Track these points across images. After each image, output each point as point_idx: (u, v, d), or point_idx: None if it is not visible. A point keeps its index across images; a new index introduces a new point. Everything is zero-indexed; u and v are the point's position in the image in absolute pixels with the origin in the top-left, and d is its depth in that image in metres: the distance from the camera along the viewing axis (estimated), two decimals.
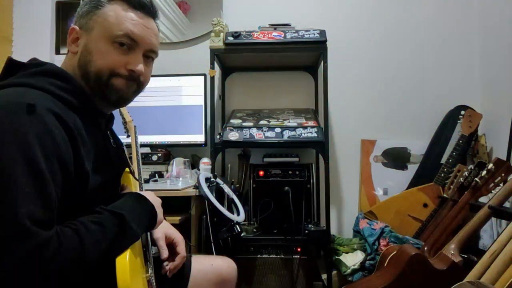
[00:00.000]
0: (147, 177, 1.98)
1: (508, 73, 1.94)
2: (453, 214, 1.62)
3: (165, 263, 1.01)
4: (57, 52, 2.40)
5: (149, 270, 0.90)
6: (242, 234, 1.73)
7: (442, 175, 1.98)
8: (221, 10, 2.31)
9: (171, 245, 1.04)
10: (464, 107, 2.11)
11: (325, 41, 1.89)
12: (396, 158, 2.22)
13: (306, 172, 1.97)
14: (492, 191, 1.56)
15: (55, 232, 0.67)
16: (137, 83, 0.90)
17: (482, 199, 1.59)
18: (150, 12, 0.92)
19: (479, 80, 2.19)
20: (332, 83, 1.98)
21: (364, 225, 1.95)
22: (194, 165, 2.11)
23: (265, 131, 1.89)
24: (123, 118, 1.14)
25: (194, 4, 2.34)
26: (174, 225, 1.67)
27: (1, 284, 0.62)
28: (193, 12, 2.35)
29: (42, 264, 0.63)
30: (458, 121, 2.10)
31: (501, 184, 1.53)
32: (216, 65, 2.02)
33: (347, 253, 1.91)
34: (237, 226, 1.67)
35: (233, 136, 1.87)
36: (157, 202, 0.93)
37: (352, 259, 1.86)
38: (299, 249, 1.77)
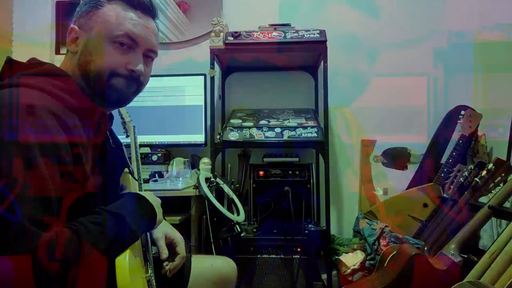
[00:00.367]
0: (147, 177, 1.98)
1: (508, 73, 1.94)
2: (453, 214, 1.62)
3: (164, 263, 1.01)
4: (57, 52, 2.40)
5: (149, 270, 0.90)
6: (242, 234, 1.73)
7: (442, 175, 1.97)
8: (221, 10, 2.31)
9: (171, 245, 1.04)
10: (464, 107, 2.10)
11: (325, 41, 1.89)
12: (396, 158, 2.22)
13: (306, 172, 1.97)
14: (492, 191, 1.56)
15: (55, 233, 0.67)
16: (137, 83, 0.90)
17: (482, 199, 1.59)
18: (150, 11, 0.91)
19: (479, 80, 2.19)
20: (332, 83, 1.98)
21: (364, 225, 1.95)
22: (194, 165, 2.10)
23: (265, 131, 1.89)
24: (122, 118, 1.14)
25: (194, 4, 2.34)
26: (174, 225, 1.67)
27: (1, 284, 0.62)
28: (193, 12, 2.35)
29: (42, 264, 0.63)
30: (458, 121, 2.10)
31: (501, 184, 1.53)
32: (216, 65, 2.02)
33: (347, 253, 1.90)
34: (237, 226, 1.67)
35: (233, 136, 1.87)
36: (156, 202, 0.93)
37: (352, 259, 1.86)
38: (299, 249, 1.77)
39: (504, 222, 1.73)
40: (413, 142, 2.21)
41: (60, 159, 0.72)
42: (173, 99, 2.13)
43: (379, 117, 2.26)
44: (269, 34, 1.92)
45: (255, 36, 1.91)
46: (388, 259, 1.60)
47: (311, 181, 1.95)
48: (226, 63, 2.22)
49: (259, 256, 1.80)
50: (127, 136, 1.14)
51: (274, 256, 1.80)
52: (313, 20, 2.19)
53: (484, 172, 1.56)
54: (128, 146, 1.07)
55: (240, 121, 2.00)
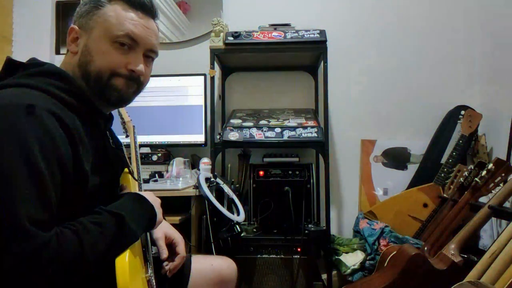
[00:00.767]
0: (147, 177, 1.98)
1: (508, 73, 1.94)
2: (453, 214, 1.62)
3: (164, 263, 1.01)
4: (57, 52, 2.40)
5: (149, 270, 0.90)
6: (242, 234, 1.73)
7: (442, 175, 1.98)
8: (221, 10, 2.31)
9: (171, 245, 1.04)
10: (464, 107, 2.10)
11: (325, 41, 1.89)
12: (396, 158, 2.22)
13: (306, 172, 1.97)
14: (492, 191, 1.56)
15: (55, 233, 0.67)
16: (137, 83, 0.90)
17: (482, 199, 1.59)
18: (150, 12, 0.92)
19: (479, 80, 2.19)
20: (332, 83, 1.98)
21: (364, 225, 1.95)
22: (194, 165, 2.11)
23: (265, 131, 1.89)
24: (122, 118, 1.13)
25: (194, 4, 2.34)
26: (174, 225, 1.67)
27: (1, 285, 0.62)
28: (193, 12, 2.35)
29: (41, 265, 0.63)
30: (458, 121, 2.10)
31: (501, 184, 1.53)
32: (216, 65, 2.02)
33: (347, 253, 1.90)
34: (237, 226, 1.67)
35: (233, 136, 1.87)
36: (156, 202, 0.93)
37: (352, 259, 1.86)
38: (299, 249, 1.77)
39: (504, 222, 1.73)
40: (413, 142, 2.21)
41: (60, 159, 0.71)
42: (173, 99, 2.13)
43: (379, 117, 2.26)
44: (269, 34, 1.92)
45: (255, 36, 1.91)
46: (388, 259, 1.60)
47: (311, 181, 1.95)
48: (226, 63, 2.23)
49: (259, 256, 1.80)
50: (127, 136, 1.14)
51: (274, 256, 1.80)
52: (313, 20, 2.19)
53: (484, 172, 1.56)
54: (128, 146, 1.07)
55: (240, 121, 2.00)
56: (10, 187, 0.64)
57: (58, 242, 0.66)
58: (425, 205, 1.98)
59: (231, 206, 1.77)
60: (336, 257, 1.90)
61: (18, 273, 0.62)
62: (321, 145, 1.86)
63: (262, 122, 1.98)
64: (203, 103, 2.11)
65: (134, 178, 0.99)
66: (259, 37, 1.91)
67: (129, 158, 1.03)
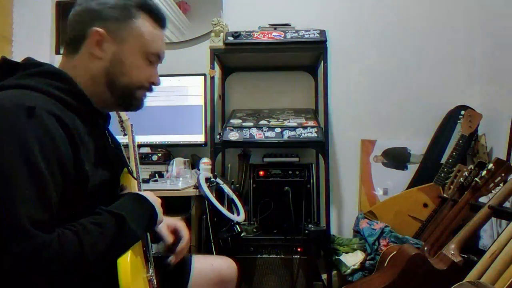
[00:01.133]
0: (147, 177, 1.98)
1: (508, 73, 1.94)
2: (453, 214, 1.62)
3: (170, 258, 1.01)
4: (57, 52, 2.40)
5: (150, 270, 0.90)
6: (242, 234, 1.73)
7: (442, 175, 1.98)
8: (221, 10, 2.31)
9: (174, 233, 1.05)
10: (464, 107, 2.11)
11: (325, 41, 1.89)
12: (396, 158, 2.22)
13: (306, 172, 1.97)
14: (492, 191, 1.56)
15: (56, 235, 0.67)
16: (150, 92, 0.97)
17: (482, 199, 1.59)
18: (165, 26, 0.97)
19: (479, 80, 2.19)
20: (332, 83, 1.98)
21: (364, 225, 1.95)
22: (194, 165, 2.11)
23: (265, 131, 1.89)
24: (120, 117, 1.13)
25: (194, 4, 2.34)
26: None
27: (1, 285, 0.62)
28: (193, 12, 2.35)
29: (41, 265, 0.63)
30: (458, 121, 2.10)
31: (501, 184, 1.53)
32: (216, 65, 2.02)
33: (347, 253, 1.91)
34: (237, 226, 1.67)
35: (233, 136, 1.87)
36: (157, 202, 0.92)
37: (352, 259, 1.86)
38: (299, 249, 1.77)
39: (504, 222, 1.73)
40: (413, 142, 2.21)
41: (60, 160, 0.71)
42: (173, 99, 2.13)
43: (379, 117, 2.26)
44: (269, 34, 1.92)
45: (255, 36, 1.91)
46: (388, 259, 1.60)
47: (311, 181, 1.95)
48: (226, 63, 2.23)
49: (259, 256, 1.80)
50: (125, 135, 1.14)
51: (274, 256, 1.80)
52: (313, 20, 2.19)
53: (484, 172, 1.56)
54: (126, 145, 1.07)
55: (240, 121, 2.00)
56: (11, 187, 0.64)
57: (59, 243, 0.66)
58: (425, 205, 1.98)
59: (231, 206, 1.77)
60: (336, 257, 1.90)
61: (18, 273, 0.62)
62: (321, 145, 1.86)
63: (262, 122, 1.98)
64: (203, 103, 2.11)
65: (134, 177, 0.99)
66: (259, 37, 1.91)
67: (128, 157, 1.03)
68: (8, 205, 0.63)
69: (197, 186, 1.68)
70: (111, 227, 0.75)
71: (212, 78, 1.95)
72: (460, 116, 2.09)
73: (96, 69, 0.86)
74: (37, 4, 2.37)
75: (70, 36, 0.88)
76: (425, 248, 1.60)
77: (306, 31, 1.91)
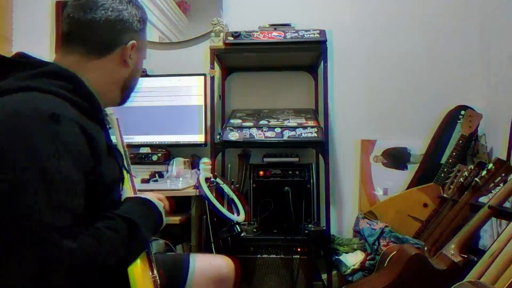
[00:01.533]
0: (147, 177, 1.98)
1: (508, 73, 1.94)
2: (453, 214, 1.62)
3: None
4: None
5: (154, 271, 0.91)
6: (242, 234, 1.73)
7: (442, 175, 1.98)
8: (221, 10, 2.31)
9: None
10: (464, 107, 2.10)
11: (325, 41, 1.89)
12: (396, 158, 2.22)
13: (306, 172, 1.97)
14: (492, 191, 1.56)
15: (79, 241, 0.66)
16: None
17: (482, 199, 1.59)
18: None
19: (479, 80, 2.19)
20: (332, 83, 1.98)
21: (364, 225, 1.95)
22: (194, 165, 2.11)
23: (265, 131, 1.89)
24: (104, 111, 1.14)
25: (194, 4, 2.34)
26: (174, 225, 1.68)
27: None
28: (193, 12, 2.35)
29: (66, 274, 0.64)
30: (458, 121, 2.10)
31: (501, 184, 1.53)
32: (216, 65, 2.02)
33: (347, 253, 1.91)
34: (237, 226, 1.67)
35: (233, 136, 1.87)
36: (161, 207, 0.94)
37: (352, 259, 1.86)
38: (299, 249, 1.77)
39: (504, 222, 1.73)
40: (413, 142, 2.21)
41: (84, 167, 0.72)
42: (173, 99, 2.13)
43: (379, 117, 2.26)
44: (269, 34, 1.92)
45: (255, 36, 1.91)
46: (388, 259, 1.60)
47: (311, 181, 1.95)
48: (226, 63, 2.23)
49: (259, 256, 1.80)
50: (109, 128, 1.14)
51: (274, 256, 1.80)
52: (314, 20, 2.19)
53: (484, 172, 1.56)
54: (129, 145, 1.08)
55: (240, 121, 2.00)
56: (39, 196, 0.64)
57: (82, 250, 0.66)
58: (425, 205, 1.98)
59: (231, 206, 1.77)
60: (336, 257, 1.90)
61: (44, 282, 0.62)
62: (321, 145, 1.86)
63: (262, 122, 1.98)
64: (203, 103, 2.11)
65: (127, 172, 0.98)
66: (259, 37, 1.91)
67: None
68: (36, 214, 0.63)
69: (197, 186, 1.67)
70: (125, 232, 0.76)
71: (212, 78, 1.95)
72: (460, 116, 2.09)
73: (122, 75, 0.92)
74: (37, 4, 2.37)
75: (96, 39, 0.87)
76: (425, 248, 1.60)
77: (306, 31, 1.91)
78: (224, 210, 1.62)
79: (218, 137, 1.91)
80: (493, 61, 2.09)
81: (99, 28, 0.86)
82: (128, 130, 2.13)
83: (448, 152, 2.06)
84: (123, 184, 0.94)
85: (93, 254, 0.67)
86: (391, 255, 1.59)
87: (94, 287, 0.69)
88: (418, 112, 2.23)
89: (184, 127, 2.12)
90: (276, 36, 1.91)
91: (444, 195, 1.88)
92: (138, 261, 0.81)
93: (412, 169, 2.19)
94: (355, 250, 1.91)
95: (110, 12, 0.86)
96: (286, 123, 1.95)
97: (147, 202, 0.90)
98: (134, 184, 1.00)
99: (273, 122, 1.97)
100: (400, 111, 2.24)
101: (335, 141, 2.27)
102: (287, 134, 1.87)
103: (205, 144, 2.09)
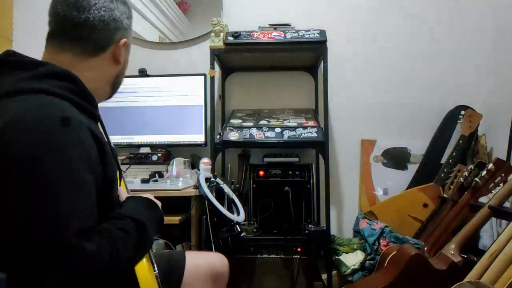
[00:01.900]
0: (147, 177, 1.98)
1: (508, 73, 1.94)
2: (453, 214, 1.62)
3: None
4: None
5: (155, 267, 0.91)
6: (242, 234, 1.73)
7: (442, 175, 1.98)
8: (221, 10, 2.31)
9: None
10: (464, 107, 2.11)
11: (325, 41, 1.89)
12: (396, 158, 2.22)
13: (306, 172, 1.97)
14: (492, 191, 1.56)
15: (95, 244, 0.67)
16: None
17: (482, 199, 1.59)
18: None
19: (479, 80, 2.19)
20: (332, 83, 1.98)
21: (364, 225, 1.95)
22: (194, 165, 2.11)
23: (265, 131, 1.89)
24: None
25: (194, 4, 2.34)
26: (174, 225, 1.68)
27: None
28: (193, 12, 2.35)
29: (86, 276, 0.64)
30: (458, 121, 2.10)
31: (501, 184, 1.53)
32: (216, 65, 2.02)
33: (347, 253, 1.91)
34: (237, 226, 1.67)
35: (233, 136, 1.87)
36: (160, 205, 0.96)
37: (352, 259, 1.86)
38: (299, 249, 1.77)
39: (504, 222, 1.73)
40: (413, 142, 2.21)
41: (94, 171, 0.73)
42: (173, 99, 2.13)
43: (379, 117, 2.26)
44: (269, 34, 1.92)
45: (255, 36, 1.91)
46: (388, 259, 1.60)
47: (311, 181, 1.95)
48: (226, 63, 2.23)
49: (259, 256, 1.80)
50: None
51: (274, 256, 1.80)
52: (314, 20, 2.19)
53: (484, 172, 1.56)
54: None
55: (240, 121, 2.00)
56: (58, 200, 0.65)
57: (99, 253, 0.66)
58: (425, 205, 1.98)
59: (231, 206, 1.77)
60: (336, 257, 1.90)
61: (65, 285, 0.62)
62: (321, 145, 1.86)
63: (262, 122, 1.98)
64: (203, 103, 2.11)
65: (120, 170, 0.99)
66: (259, 37, 1.91)
67: None
68: (56, 218, 0.64)
69: (197, 186, 1.67)
70: (134, 233, 0.76)
71: (212, 78, 1.95)
72: (460, 116, 2.09)
73: (114, 71, 0.93)
74: (37, 4, 2.37)
75: (91, 39, 0.86)
76: (425, 248, 1.60)
77: (306, 31, 1.91)
78: (224, 210, 1.61)
79: (218, 137, 1.91)
80: (493, 61, 2.09)
81: (94, 28, 0.86)
82: (128, 130, 2.13)
83: (448, 152, 2.06)
84: (118, 184, 0.95)
85: (108, 255, 0.67)
86: (391, 255, 1.60)
87: (106, 286, 0.69)
88: (418, 112, 2.23)
89: (184, 127, 2.12)
90: (276, 36, 1.91)
91: (444, 195, 1.88)
92: (144, 259, 0.83)
93: (412, 169, 2.19)
94: (355, 250, 1.91)
95: (103, 12, 0.86)
96: (286, 123, 1.95)
97: (151, 202, 0.91)
98: (126, 182, 1.02)
99: (273, 122, 1.97)
100: (400, 111, 2.24)
101: (335, 141, 2.27)
102: (287, 134, 1.87)
103: (205, 144, 2.09)
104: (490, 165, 1.55)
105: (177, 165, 1.99)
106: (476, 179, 1.58)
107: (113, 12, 0.88)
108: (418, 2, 2.26)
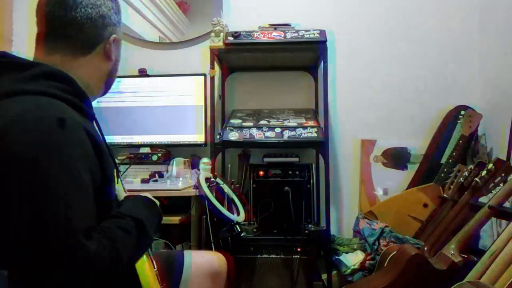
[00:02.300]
0: (147, 177, 1.98)
1: (508, 73, 1.94)
2: (453, 214, 1.62)
3: None
4: None
5: (155, 265, 0.92)
6: (242, 234, 1.73)
7: (442, 175, 1.98)
8: (221, 10, 2.31)
9: None
10: (464, 107, 2.11)
11: (325, 41, 1.89)
12: (396, 158, 2.22)
13: (306, 172, 1.97)
14: (492, 191, 1.56)
15: (96, 242, 0.67)
16: None
17: (482, 199, 1.59)
18: None
19: (479, 80, 2.19)
20: (332, 83, 1.98)
21: (364, 225, 1.95)
22: (194, 165, 2.11)
23: (265, 131, 1.89)
24: None
25: (194, 4, 2.34)
26: (174, 225, 1.68)
27: None
28: (193, 12, 2.35)
29: (87, 275, 0.64)
30: (458, 121, 2.10)
31: (501, 184, 1.53)
32: (216, 65, 2.02)
33: (347, 253, 1.90)
34: (237, 226, 1.67)
35: (233, 136, 1.87)
36: (158, 204, 0.96)
37: (352, 259, 1.86)
38: (299, 249, 1.77)
39: (504, 222, 1.73)
40: (413, 142, 2.21)
41: (92, 170, 0.73)
42: (173, 99, 2.13)
43: (379, 117, 2.26)
44: (269, 34, 1.92)
45: (255, 36, 1.91)
46: (388, 259, 1.60)
47: (311, 181, 1.95)
48: (226, 63, 2.22)
49: (259, 256, 1.80)
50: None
51: (274, 256, 1.80)
52: (314, 20, 2.19)
53: (484, 172, 1.56)
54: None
55: (240, 121, 2.00)
56: (59, 200, 0.65)
57: (100, 252, 0.66)
58: (425, 205, 1.98)
59: (231, 206, 1.77)
60: (336, 257, 1.90)
61: (69, 284, 0.62)
62: (321, 145, 1.86)
63: (262, 122, 1.98)
64: (203, 103, 2.11)
65: (116, 169, 0.99)
66: (259, 37, 1.91)
67: None
68: (54, 218, 0.64)
69: (197, 186, 1.67)
70: (134, 232, 0.77)
71: (212, 78, 1.94)
72: (460, 116, 2.09)
73: (106, 69, 0.92)
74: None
75: (80, 38, 0.86)
76: (425, 248, 1.60)
77: (306, 31, 1.91)
78: (224, 210, 1.61)
79: (218, 137, 1.91)
80: (493, 61, 2.09)
81: (82, 27, 0.86)
82: (128, 130, 2.13)
83: (448, 152, 2.06)
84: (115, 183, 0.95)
85: (109, 254, 0.68)
86: (391, 255, 1.59)
87: (106, 284, 0.69)
88: (418, 112, 2.23)
89: (184, 127, 2.12)
90: (276, 36, 1.91)
91: (444, 195, 1.88)
92: (144, 256, 0.83)
93: (412, 169, 2.19)
94: (355, 250, 1.91)
95: (90, 10, 0.86)
96: (286, 123, 1.95)
97: (150, 201, 0.92)
98: (122, 181, 1.01)
99: (273, 122, 1.97)
100: (400, 111, 2.24)
101: (335, 141, 2.27)
102: (287, 134, 1.87)
103: (205, 144, 2.09)
104: (490, 165, 1.55)
105: (177, 165, 1.99)
106: (476, 179, 1.58)
107: (100, 9, 0.87)
108: (418, 3, 2.26)
